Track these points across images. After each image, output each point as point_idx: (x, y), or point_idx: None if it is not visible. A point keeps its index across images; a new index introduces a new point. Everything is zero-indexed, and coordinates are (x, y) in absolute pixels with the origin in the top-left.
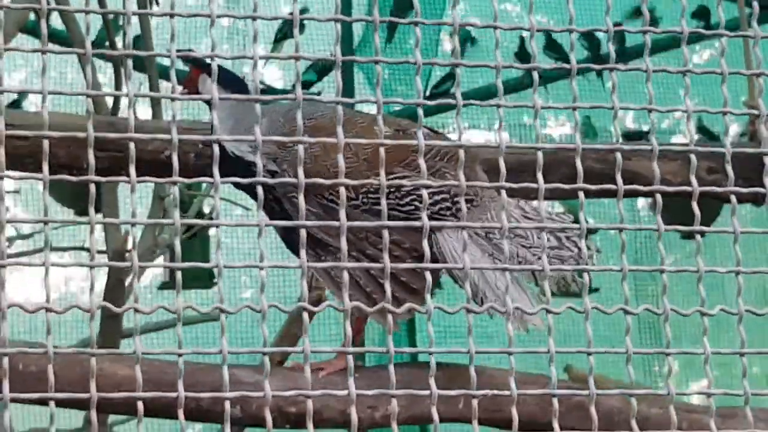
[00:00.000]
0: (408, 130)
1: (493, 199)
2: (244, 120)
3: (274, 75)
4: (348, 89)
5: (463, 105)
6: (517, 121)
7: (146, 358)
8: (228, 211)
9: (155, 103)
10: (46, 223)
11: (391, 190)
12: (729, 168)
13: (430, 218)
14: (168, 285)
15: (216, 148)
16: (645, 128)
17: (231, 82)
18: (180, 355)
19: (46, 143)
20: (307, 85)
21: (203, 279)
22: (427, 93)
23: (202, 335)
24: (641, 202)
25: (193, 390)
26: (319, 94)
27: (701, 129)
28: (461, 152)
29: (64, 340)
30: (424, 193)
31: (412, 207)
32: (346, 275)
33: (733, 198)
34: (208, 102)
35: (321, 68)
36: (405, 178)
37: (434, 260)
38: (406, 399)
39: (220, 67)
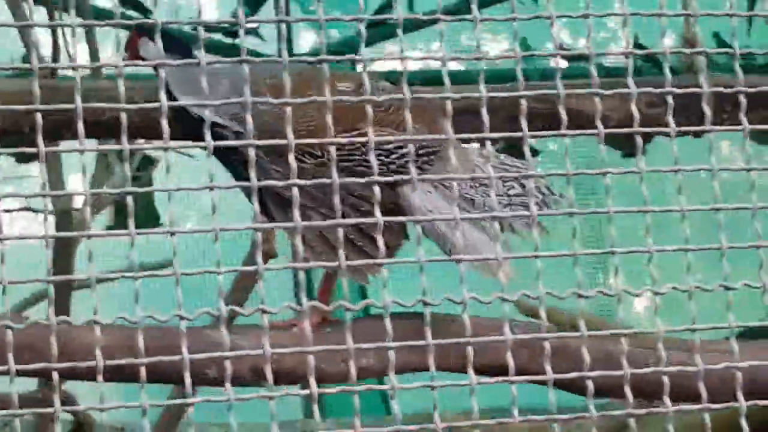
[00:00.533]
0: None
1: (456, 148)
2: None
3: (208, 6)
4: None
5: (406, 28)
6: (458, 45)
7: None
8: (177, 158)
9: (93, 51)
10: None
11: (355, 146)
12: (669, 99)
13: (396, 172)
14: (114, 228)
15: (165, 121)
16: (582, 42)
17: (174, 44)
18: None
19: None
20: None
21: (150, 221)
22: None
23: (157, 287)
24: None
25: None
26: (257, 28)
27: (637, 45)
28: (407, 106)
29: (13, 289)
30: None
31: (379, 162)
32: (302, 278)
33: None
34: (155, 66)
35: (255, 0)
36: (363, 135)
37: (401, 213)
38: (379, 352)
39: (162, 31)
